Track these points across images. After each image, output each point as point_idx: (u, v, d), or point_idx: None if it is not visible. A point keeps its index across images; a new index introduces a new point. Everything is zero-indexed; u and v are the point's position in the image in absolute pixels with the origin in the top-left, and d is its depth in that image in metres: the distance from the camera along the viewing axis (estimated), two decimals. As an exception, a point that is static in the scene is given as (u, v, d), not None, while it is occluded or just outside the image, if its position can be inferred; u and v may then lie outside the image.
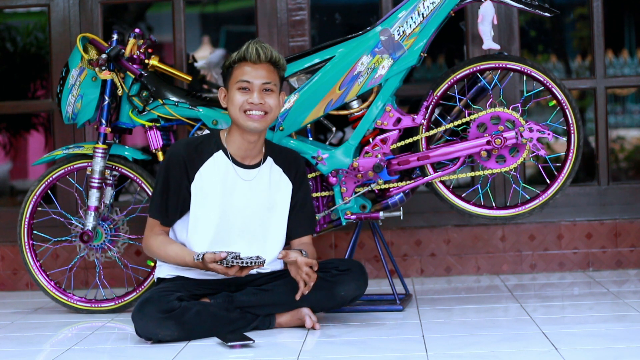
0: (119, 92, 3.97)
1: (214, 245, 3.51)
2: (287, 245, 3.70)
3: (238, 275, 3.37)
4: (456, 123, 3.85)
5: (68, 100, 3.99)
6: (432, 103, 3.86)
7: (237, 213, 3.54)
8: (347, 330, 3.47)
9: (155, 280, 3.63)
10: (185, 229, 3.56)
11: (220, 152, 3.56)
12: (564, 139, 3.87)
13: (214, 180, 3.54)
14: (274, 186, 3.59)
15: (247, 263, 3.33)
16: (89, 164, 4.03)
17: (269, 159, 3.61)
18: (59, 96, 4.03)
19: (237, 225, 3.54)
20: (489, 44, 3.77)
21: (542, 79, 3.81)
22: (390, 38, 3.79)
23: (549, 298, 4.02)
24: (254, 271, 3.56)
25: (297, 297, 3.42)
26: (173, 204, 3.53)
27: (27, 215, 4.10)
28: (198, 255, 3.38)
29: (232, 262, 3.32)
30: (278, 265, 3.63)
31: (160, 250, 3.52)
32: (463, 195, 3.98)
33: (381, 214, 3.85)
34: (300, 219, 3.63)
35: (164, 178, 3.54)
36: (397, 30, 3.78)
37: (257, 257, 3.37)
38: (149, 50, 4.01)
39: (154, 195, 3.58)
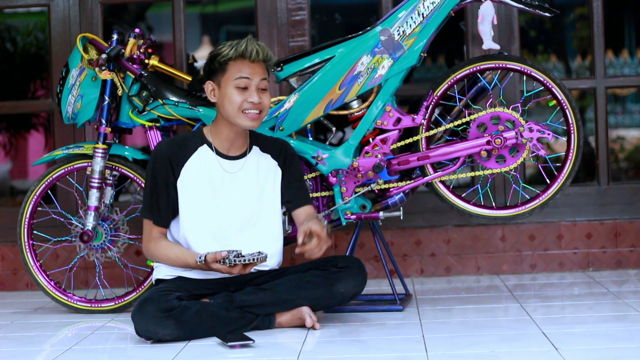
0: (119, 92, 3.97)
1: (210, 239, 3.52)
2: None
3: (242, 273, 3.38)
4: (456, 123, 3.85)
5: (68, 100, 4.00)
6: (432, 103, 3.86)
7: (228, 205, 3.55)
8: (347, 330, 3.47)
9: (154, 282, 3.63)
10: (178, 228, 3.57)
11: (205, 146, 3.57)
12: (564, 139, 3.87)
13: (200, 174, 3.54)
14: (262, 173, 3.59)
15: (249, 260, 3.34)
16: (89, 164, 4.03)
17: (255, 148, 3.62)
18: (59, 96, 4.03)
19: (230, 217, 3.54)
20: (489, 44, 3.77)
21: (542, 79, 3.81)
22: (390, 38, 3.79)
23: (549, 298, 4.02)
24: (254, 269, 3.56)
25: (299, 246, 3.41)
26: (164, 202, 3.54)
27: (27, 215, 4.10)
28: (200, 257, 3.40)
29: (235, 260, 3.33)
30: (276, 263, 3.63)
31: (161, 254, 3.54)
32: (463, 195, 3.98)
33: (381, 214, 3.85)
34: (299, 191, 3.65)
35: (151, 177, 3.56)
36: (397, 30, 3.78)
37: (259, 252, 3.39)
38: (149, 50, 4.02)
39: (144, 196, 3.59)
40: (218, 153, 3.57)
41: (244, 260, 3.34)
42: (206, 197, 3.54)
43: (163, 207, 3.55)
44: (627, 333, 3.21)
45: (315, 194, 3.92)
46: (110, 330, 3.71)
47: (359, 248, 4.67)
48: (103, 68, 3.91)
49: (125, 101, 4.00)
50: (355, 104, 3.91)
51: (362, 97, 3.91)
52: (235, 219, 3.56)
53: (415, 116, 3.84)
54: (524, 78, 4.05)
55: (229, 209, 3.55)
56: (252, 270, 3.56)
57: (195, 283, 3.53)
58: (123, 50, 3.94)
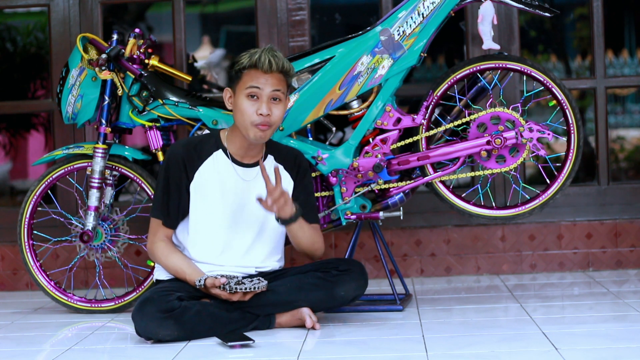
0: (119, 92, 3.97)
1: (217, 244, 3.52)
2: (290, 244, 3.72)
3: (242, 299, 3.41)
4: (456, 123, 3.85)
5: (68, 100, 4.00)
6: (432, 103, 3.86)
7: (237, 212, 3.54)
8: (347, 330, 3.47)
9: (155, 281, 3.63)
10: (186, 230, 3.57)
11: (220, 151, 3.57)
12: (564, 139, 3.87)
13: (213, 179, 3.54)
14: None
15: (249, 289, 3.37)
16: (89, 164, 4.03)
17: (270, 157, 3.61)
18: (59, 96, 4.03)
19: (238, 224, 3.55)
20: (489, 44, 3.77)
21: (542, 79, 3.81)
22: (390, 38, 3.79)
23: (549, 298, 4.02)
24: (253, 271, 3.57)
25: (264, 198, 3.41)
26: (174, 204, 3.54)
27: (27, 215, 4.10)
28: (200, 281, 3.42)
29: (235, 288, 3.37)
30: (278, 265, 3.64)
31: (164, 262, 3.55)
32: (463, 195, 3.98)
33: (381, 214, 3.85)
34: (304, 207, 3.62)
35: (164, 178, 3.55)
36: (397, 30, 3.78)
37: (259, 280, 3.42)
38: (149, 50, 4.01)
39: (155, 196, 3.59)
40: (233, 160, 3.57)
41: (245, 288, 3.37)
42: (217, 202, 3.54)
43: (173, 208, 3.55)
44: (627, 333, 3.21)
45: (315, 194, 3.91)
46: (110, 330, 3.71)
47: (359, 248, 4.67)
48: (103, 68, 3.91)
49: (125, 101, 4.00)
50: (355, 104, 3.91)
51: (362, 97, 3.91)
52: (244, 226, 3.55)
53: (415, 116, 3.84)
54: (524, 78, 4.05)
55: (239, 215, 3.55)
56: (253, 271, 3.57)
57: (195, 283, 3.54)
58: (123, 50, 3.94)
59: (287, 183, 3.62)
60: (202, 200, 3.54)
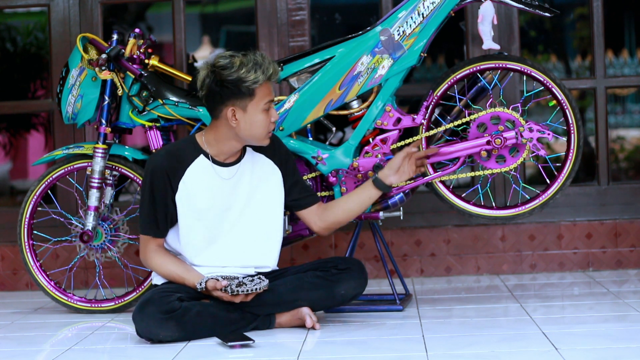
0: (119, 92, 3.97)
1: (210, 246, 3.52)
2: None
3: (244, 301, 3.42)
4: (456, 123, 3.85)
5: (68, 100, 4.00)
6: (432, 103, 3.86)
7: (228, 212, 3.54)
8: (347, 330, 3.47)
9: (152, 286, 3.62)
10: (177, 237, 3.56)
11: (202, 156, 3.54)
12: (564, 139, 3.87)
13: (198, 185, 3.52)
14: (257, 174, 3.58)
15: (250, 290, 3.39)
16: (89, 164, 4.03)
17: (248, 150, 3.59)
18: (59, 96, 4.03)
19: (230, 222, 3.54)
20: (489, 44, 3.77)
21: (542, 79, 3.81)
22: (390, 38, 3.79)
23: (549, 298, 4.02)
24: (253, 270, 3.57)
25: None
26: (162, 216, 3.52)
27: (27, 215, 4.10)
28: (201, 284, 3.42)
29: (237, 290, 3.37)
30: (275, 263, 3.63)
31: (158, 269, 3.54)
32: (463, 195, 3.98)
33: (381, 214, 3.85)
34: (304, 192, 3.64)
35: (149, 192, 3.52)
36: (397, 30, 3.78)
37: (260, 279, 3.43)
38: (149, 50, 4.01)
39: (141, 210, 3.55)
40: (214, 161, 3.55)
41: (246, 290, 3.38)
42: (205, 206, 3.53)
43: (161, 220, 3.53)
44: (627, 333, 3.21)
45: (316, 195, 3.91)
46: (110, 330, 3.71)
47: (359, 248, 4.67)
48: (103, 68, 3.91)
49: (125, 101, 4.00)
50: (355, 104, 3.91)
51: (362, 97, 3.91)
52: (236, 224, 3.55)
53: (415, 116, 3.84)
54: (524, 78, 4.05)
55: (229, 215, 3.54)
56: (252, 272, 3.57)
57: (195, 283, 3.54)
58: (123, 50, 3.94)
59: (271, 170, 3.60)
60: (190, 207, 3.51)
